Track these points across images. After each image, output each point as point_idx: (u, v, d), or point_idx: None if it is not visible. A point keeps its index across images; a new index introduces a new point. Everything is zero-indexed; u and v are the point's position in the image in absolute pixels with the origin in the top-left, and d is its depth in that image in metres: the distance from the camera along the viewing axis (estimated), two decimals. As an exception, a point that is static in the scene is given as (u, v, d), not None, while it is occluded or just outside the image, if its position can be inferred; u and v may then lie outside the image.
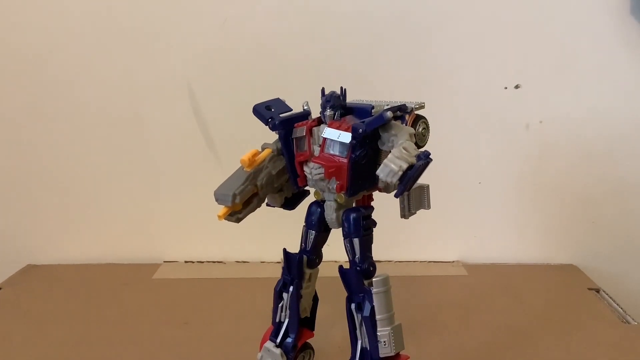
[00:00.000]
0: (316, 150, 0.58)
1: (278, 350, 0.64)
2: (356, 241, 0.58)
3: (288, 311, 0.64)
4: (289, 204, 0.65)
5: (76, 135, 1.03)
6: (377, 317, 0.56)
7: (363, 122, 0.54)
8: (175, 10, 0.97)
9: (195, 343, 0.80)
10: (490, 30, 0.97)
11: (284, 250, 0.64)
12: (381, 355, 0.57)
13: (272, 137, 0.61)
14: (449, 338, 0.80)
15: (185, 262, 1.09)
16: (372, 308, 0.56)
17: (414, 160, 0.50)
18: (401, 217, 0.60)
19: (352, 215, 0.59)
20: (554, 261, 1.08)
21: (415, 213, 0.60)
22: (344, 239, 0.59)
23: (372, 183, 0.59)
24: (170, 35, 0.98)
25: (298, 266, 0.63)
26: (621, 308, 0.90)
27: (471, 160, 1.04)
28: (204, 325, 0.84)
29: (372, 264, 0.59)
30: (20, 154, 1.04)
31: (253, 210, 0.60)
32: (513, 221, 1.07)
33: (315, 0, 0.96)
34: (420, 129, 0.58)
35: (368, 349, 0.58)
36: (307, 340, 0.67)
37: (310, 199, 0.64)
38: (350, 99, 0.59)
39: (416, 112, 0.59)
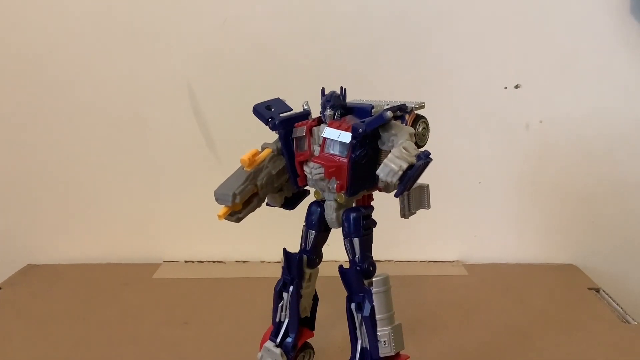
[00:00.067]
0: (316, 150, 0.58)
1: (278, 350, 0.64)
2: (356, 241, 0.58)
3: (288, 311, 0.64)
4: (289, 203, 0.65)
5: (76, 135, 1.03)
6: (377, 316, 0.56)
7: (363, 121, 0.54)
8: (175, 10, 0.97)
9: (195, 343, 0.80)
10: (490, 30, 0.97)
11: (284, 250, 0.64)
12: (381, 355, 0.57)
13: (272, 137, 0.61)
14: (449, 338, 0.80)
15: (185, 262, 1.09)
16: (372, 308, 0.56)
17: (414, 160, 0.50)
18: (401, 217, 0.60)
19: (352, 215, 0.59)
20: (554, 261, 1.08)
21: (415, 213, 0.60)
22: (344, 239, 0.59)
23: (372, 183, 0.59)
24: (170, 35, 0.98)
25: (298, 266, 0.63)
26: (621, 308, 0.90)
27: (471, 160, 1.04)
28: (204, 325, 0.84)
29: (372, 264, 0.59)
30: (20, 154, 1.04)
31: (253, 210, 0.60)
32: (513, 221, 1.07)
33: (315, 0, 0.96)
34: (420, 129, 0.58)
35: (368, 348, 0.58)
36: (307, 340, 0.67)
37: (310, 198, 0.64)
38: (350, 98, 0.59)
39: (416, 112, 0.59)
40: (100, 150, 1.04)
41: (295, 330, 0.64)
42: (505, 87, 1.00)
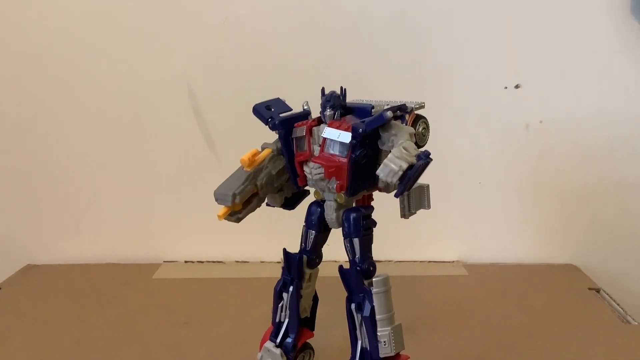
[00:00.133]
0: (316, 150, 0.58)
1: (278, 350, 0.64)
2: (356, 241, 0.58)
3: (288, 311, 0.64)
4: (289, 203, 0.65)
5: (76, 135, 1.03)
6: (377, 317, 0.56)
7: (363, 121, 0.54)
8: (175, 11, 0.97)
9: (195, 343, 0.80)
10: (490, 30, 0.97)
11: (284, 250, 0.64)
12: (381, 355, 0.57)
13: (272, 137, 0.61)
14: (449, 338, 0.80)
15: (185, 262, 1.09)
16: (372, 308, 0.56)
17: (414, 160, 0.50)
18: (401, 217, 0.60)
19: (352, 215, 0.59)
20: (554, 261, 1.08)
21: (415, 213, 0.60)
22: (344, 239, 0.59)
23: (372, 183, 0.59)
24: (170, 36, 0.98)
25: (298, 266, 0.63)
26: (621, 308, 0.90)
27: (471, 160, 1.04)
28: (204, 325, 0.84)
29: (372, 264, 0.59)
30: (21, 154, 1.04)
31: (253, 210, 0.60)
32: (513, 221, 1.07)
33: (315, 0, 0.96)
34: (420, 129, 0.58)
35: (368, 349, 0.58)
36: (307, 340, 0.67)
37: (310, 198, 0.64)
38: (350, 98, 0.59)
39: (416, 112, 0.59)
40: (100, 150, 1.04)
41: (295, 331, 0.64)
42: (506, 87, 1.00)
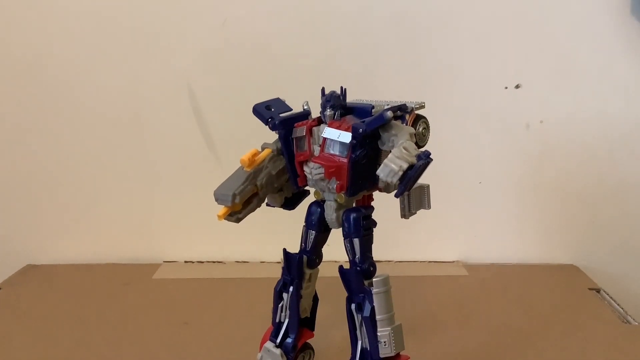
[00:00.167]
0: (316, 150, 0.58)
1: (278, 351, 0.64)
2: (356, 241, 0.58)
3: (288, 311, 0.64)
4: (289, 204, 0.65)
5: (76, 135, 1.03)
6: (377, 317, 0.56)
7: (363, 121, 0.54)
8: (175, 10, 0.97)
9: (195, 343, 0.80)
10: (490, 30, 0.97)
11: (284, 250, 0.64)
12: (381, 356, 0.57)
13: (272, 137, 0.61)
14: (449, 338, 0.80)
15: (185, 262, 1.09)
16: (372, 308, 0.56)
17: (414, 160, 0.50)
18: (401, 217, 0.60)
19: (352, 215, 0.59)
20: (554, 261, 1.08)
21: (415, 213, 0.60)
22: (344, 239, 0.59)
23: (372, 183, 0.59)
24: (170, 36, 0.98)
25: (298, 266, 0.63)
26: (621, 308, 0.90)
27: (471, 160, 1.04)
28: (204, 325, 0.84)
29: (372, 264, 0.59)
30: (21, 155, 1.04)
31: (253, 210, 0.60)
32: (513, 221, 1.07)
33: (315, 0, 0.96)
34: (420, 129, 0.58)
35: (368, 349, 0.58)
36: (307, 341, 0.67)
37: (310, 199, 0.64)
38: (350, 98, 0.59)
39: (416, 112, 0.59)
40: (100, 150, 1.04)
41: (295, 331, 0.64)
42: (506, 87, 1.00)
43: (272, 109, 0.61)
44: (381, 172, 0.51)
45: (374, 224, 0.60)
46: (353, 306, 0.59)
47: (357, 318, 0.59)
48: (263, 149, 0.61)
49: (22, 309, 0.90)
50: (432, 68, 0.99)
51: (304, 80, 0.92)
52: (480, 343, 0.79)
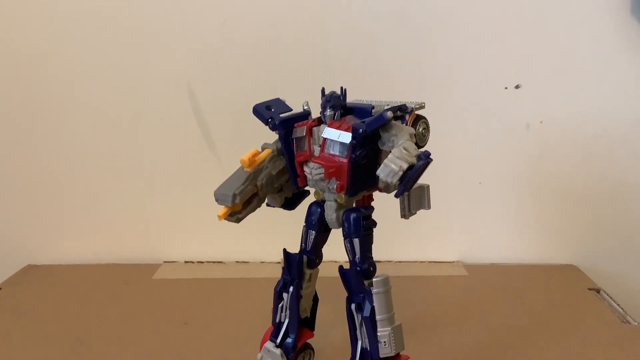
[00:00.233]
0: (316, 150, 0.58)
1: (278, 351, 0.64)
2: (356, 241, 0.58)
3: (288, 311, 0.64)
4: (289, 204, 0.65)
5: (76, 135, 1.03)
6: (377, 317, 0.56)
7: (363, 122, 0.54)
8: (175, 10, 0.97)
9: (195, 343, 0.80)
10: (490, 30, 0.97)
11: (284, 250, 0.64)
12: (381, 356, 0.57)
13: (272, 137, 0.61)
14: (449, 338, 0.80)
15: (185, 262, 1.09)
16: (372, 308, 0.56)
17: (414, 160, 0.50)
18: (401, 217, 0.60)
19: (352, 216, 0.59)
20: (554, 261, 1.08)
21: (415, 213, 0.60)
22: (344, 239, 0.59)
23: (373, 183, 0.59)
24: (171, 35, 0.98)
25: (298, 266, 0.63)
26: (621, 308, 0.90)
27: (471, 160, 1.04)
28: (204, 325, 0.84)
29: (372, 264, 0.59)
30: (20, 154, 1.04)
31: (253, 210, 0.60)
32: (513, 221, 1.07)
33: (315, 0, 0.96)
34: (420, 129, 0.58)
35: (368, 349, 0.58)
36: (307, 341, 0.67)
37: (310, 199, 0.64)
38: (350, 99, 0.59)
39: (416, 112, 0.59)
40: (100, 150, 1.04)
41: (296, 331, 0.64)
42: (506, 88, 1.00)
43: (272, 109, 0.61)
44: (381, 172, 0.51)
45: (374, 224, 0.60)
46: (353, 306, 0.59)
47: (357, 318, 0.59)
48: (263, 149, 0.61)
49: (22, 309, 0.90)
50: (432, 68, 0.99)
51: (304, 80, 0.92)
52: (480, 343, 0.79)
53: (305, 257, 0.63)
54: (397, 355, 0.58)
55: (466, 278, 1.02)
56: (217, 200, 0.57)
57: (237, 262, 1.09)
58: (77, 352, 0.77)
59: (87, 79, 1.00)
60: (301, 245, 0.64)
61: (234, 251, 1.09)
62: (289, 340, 0.65)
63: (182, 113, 1.01)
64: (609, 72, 0.98)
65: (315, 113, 0.60)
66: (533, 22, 0.97)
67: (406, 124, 0.57)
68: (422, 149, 0.55)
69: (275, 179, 0.61)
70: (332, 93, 0.58)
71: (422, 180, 0.53)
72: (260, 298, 0.81)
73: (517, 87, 0.99)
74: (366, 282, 0.58)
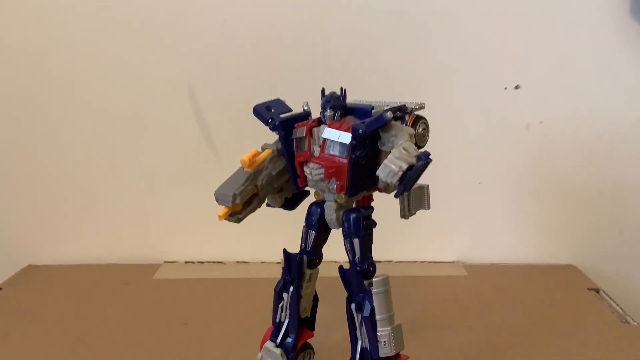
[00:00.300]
0: (316, 150, 0.58)
1: (278, 350, 0.64)
2: (356, 241, 0.58)
3: (288, 311, 0.64)
4: (289, 204, 0.65)
5: (76, 135, 1.03)
6: (377, 317, 0.56)
7: (363, 122, 0.54)
8: (175, 10, 0.97)
9: (195, 343, 0.80)
10: (490, 30, 0.97)
11: (284, 250, 0.64)
12: (381, 356, 0.57)
13: (272, 137, 0.61)
14: (449, 338, 0.80)
15: (186, 262, 1.09)
16: (372, 308, 0.57)
17: (413, 160, 0.51)
18: (401, 217, 0.60)
19: (352, 216, 0.59)
20: (554, 261, 1.08)
21: (415, 213, 0.60)
22: (344, 239, 0.59)
23: (372, 183, 0.59)
24: (171, 35, 0.98)
25: (298, 266, 0.63)
26: (621, 308, 0.90)
27: (471, 160, 1.04)
28: (204, 325, 0.85)
29: (372, 264, 0.59)
30: (21, 154, 1.04)
31: (253, 210, 0.60)
32: (513, 221, 1.07)
33: (315, 0, 0.96)
34: (420, 130, 0.58)
35: (368, 349, 0.58)
36: (307, 340, 0.67)
37: (310, 199, 0.64)
38: (350, 99, 0.59)
39: (416, 112, 0.59)
40: (100, 150, 1.04)
41: (296, 331, 0.64)
42: (505, 88, 1.00)
43: (273, 110, 0.61)
44: (381, 172, 0.51)
45: (374, 224, 0.60)
46: (353, 306, 0.59)
47: (357, 318, 0.59)
48: (263, 149, 0.61)
49: (22, 309, 0.90)
50: (432, 68, 0.99)
51: (304, 80, 0.92)
52: (480, 343, 0.79)
53: (305, 257, 0.63)
54: (397, 355, 0.58)
55: (466, 278, 1.02)
56: (217, 200, 0.57)
57: (237, 262, 1.09)
58: (77, 352, 0.78)
59: (87, 79, 1.00)
60: (301, 245, 0.64)
61: (234, 251, 1.09)
62: (289, 340, 0.65)
63: (182, 113, 1.01)
64: (609, 72, 0.98)
65: (315, 113, 0.60)
66: (533, 22, 0.97)
67: (406, 125, 0.57)
68: (422, 150, 0.55)
69: (276, 179, 0.61)
70: (332, 93, 0.58)
71: (422, 180, 0.53)
72: (260, 298, 0.81)
73: (516, 87, 0.99)
74: (366, 282, 0.58)
